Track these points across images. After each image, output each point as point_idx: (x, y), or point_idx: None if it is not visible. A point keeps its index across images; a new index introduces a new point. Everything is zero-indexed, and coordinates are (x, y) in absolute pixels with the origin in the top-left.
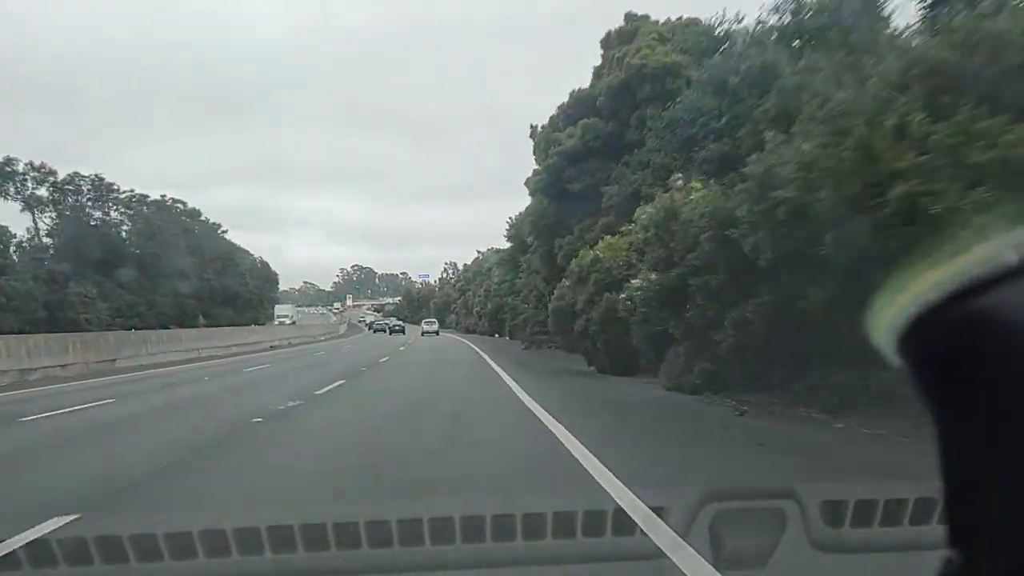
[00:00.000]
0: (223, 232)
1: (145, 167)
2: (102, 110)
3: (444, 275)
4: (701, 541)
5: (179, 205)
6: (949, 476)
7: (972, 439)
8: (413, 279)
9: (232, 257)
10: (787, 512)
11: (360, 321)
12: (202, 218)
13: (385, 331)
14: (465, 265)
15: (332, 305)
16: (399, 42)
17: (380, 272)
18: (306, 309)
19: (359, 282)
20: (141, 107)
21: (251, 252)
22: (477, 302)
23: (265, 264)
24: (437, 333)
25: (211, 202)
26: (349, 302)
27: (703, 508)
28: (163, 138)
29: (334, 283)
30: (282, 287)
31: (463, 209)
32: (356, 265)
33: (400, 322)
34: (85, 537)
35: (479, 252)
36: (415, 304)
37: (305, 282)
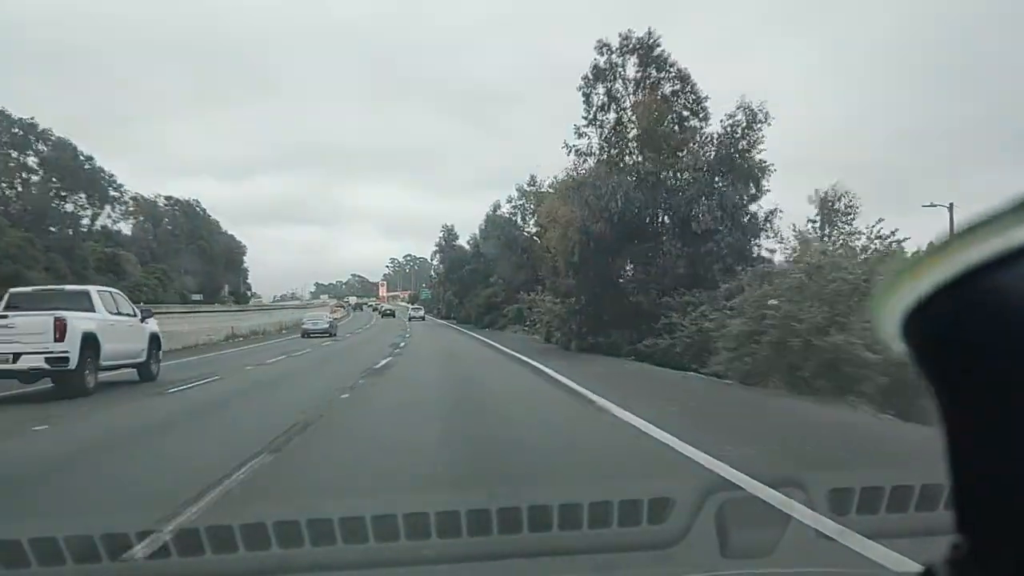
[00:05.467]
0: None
1: (181, 155)
2: (127, 89)
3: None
4: (706, 527)
5: None
6: (955, 461)
7: (979, 422)
8: None
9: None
10: (793, 500)
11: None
12: None
13: (377, 315)
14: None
15: (313, 298)
16: None
17: (435, 263)
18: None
19: (412, 274)
20: (175, 88)
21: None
22: None
23: (191, 207)
24: (423, 318)
25: (253, 193)
26: (383, 292)
27: (709, 497)
28: (189, 122)
29: (384, 275)
30: (329, 280)
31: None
32: (409, 255)
33: (391, 307)
34: None
35: None
36: (463, 282)
37: (352, 275)
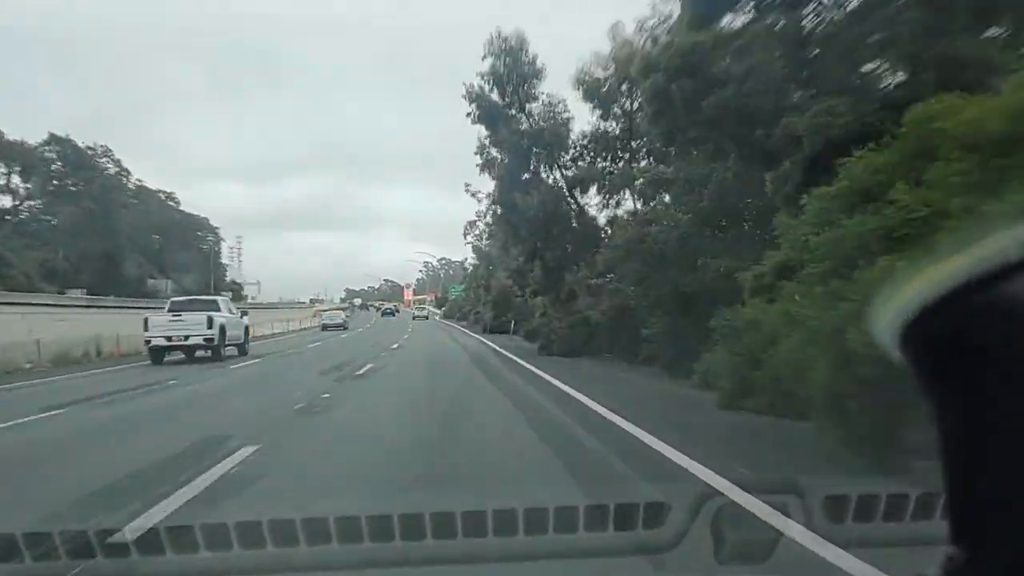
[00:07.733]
0: None
1: (204, 157)
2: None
3: None
4: (701, 532)
5: None
6: (951, 471)
7: (975, 433)
8: None
9: None
10: (789, 507)
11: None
12: None
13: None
14: None
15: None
16: None
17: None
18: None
19: (447, 278)
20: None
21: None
22: None
23: (86, 156)
24: (427, 318)
25: (281, 195)
26: (408, 295)
27: (706, 503)
28: (207, 119)
29: (417, 279)
30: (359, 286)
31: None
32: (444, 259)
33: (391, 307)
34: None
35: None
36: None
37: (384, 280)
